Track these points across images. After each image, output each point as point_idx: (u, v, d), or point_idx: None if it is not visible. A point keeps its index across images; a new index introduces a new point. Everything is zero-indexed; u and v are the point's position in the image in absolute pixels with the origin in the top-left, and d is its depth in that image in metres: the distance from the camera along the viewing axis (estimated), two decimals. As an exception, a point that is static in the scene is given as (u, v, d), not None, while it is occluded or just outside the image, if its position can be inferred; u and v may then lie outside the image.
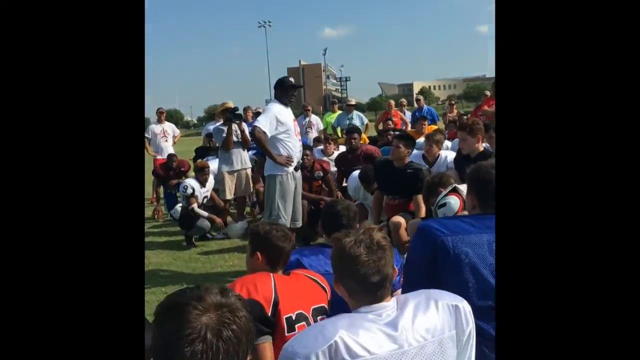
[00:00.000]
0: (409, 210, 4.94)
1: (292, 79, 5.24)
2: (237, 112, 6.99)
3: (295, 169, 5.15)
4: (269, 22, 73.57)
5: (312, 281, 2.34)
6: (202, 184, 6.94)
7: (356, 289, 1.67)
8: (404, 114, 11.82)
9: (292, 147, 5.07)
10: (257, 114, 9.89)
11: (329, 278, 2.48)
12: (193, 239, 6.82)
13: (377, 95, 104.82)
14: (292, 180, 5.08)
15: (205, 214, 6.76)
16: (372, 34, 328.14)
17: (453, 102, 12.89)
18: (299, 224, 5.28)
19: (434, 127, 9.23)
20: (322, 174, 6.25)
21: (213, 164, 7.91)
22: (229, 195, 7.26)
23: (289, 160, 5.01)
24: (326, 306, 2.32)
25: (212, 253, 6.36)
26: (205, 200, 6.95)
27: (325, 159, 6.93)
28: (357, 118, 11.14)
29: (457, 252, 2.02)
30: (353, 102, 11.31)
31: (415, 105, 12.18)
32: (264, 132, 4.85)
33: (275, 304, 2.13)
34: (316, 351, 1.47)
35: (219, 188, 7.11)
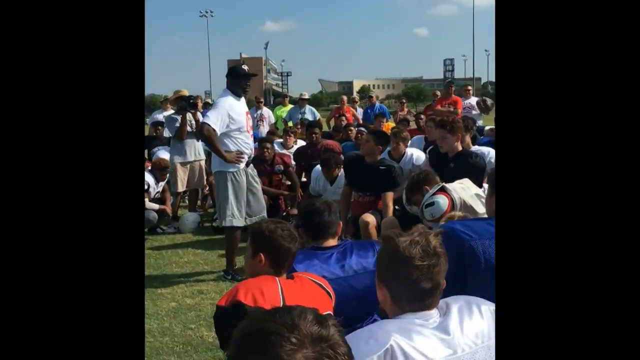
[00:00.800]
0: (377, 208, 4.80)
1: (245, 67, 4.84)
2: (192, 101, 6.66)
3: (247, 164, 4.83)
4: (211, 11, 72.03)
5: (317, 286, 2.13)
6: (158, 180, 6.56)
7: (403, 294, 1.50)
8: (356, 110, 11.73)
9: (243, 143, 4.75)
10: (205, 105, 9.55)
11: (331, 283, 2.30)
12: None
13: (318, 91, 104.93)
14: (243, 176, 4.77)
15: (155, 206, 6.40)
16: (313, 30, 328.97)
17: (404, 100, 12.94)
18: (262, 217, 4.97)
19: (391, 124, 9.17)
20: (282, 168, 6.02)
21: (163, 155, 7.54)
22: (181, 188, 6.93)
23: (239, 156, 4.69)
24: (332, 314, 2.13)
25: (165, 248, 6.02)
26: (157, 195, 6.59)
27: (284, 152, 6.70)
28: (310, 112, 10.97)
29: (488, 258, 1.87)
30: (306, 96, 11.11)
31: (367, 102, 12.10)
32: (214, 130, 4.53)
33: None
34: (371, 357, 1.34)
35: (170, 180, 6.77)
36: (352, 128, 7.38)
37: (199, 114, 6.94)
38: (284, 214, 6.13)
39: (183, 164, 6.85)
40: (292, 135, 7.13)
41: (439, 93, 11.86)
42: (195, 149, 6.93)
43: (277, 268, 2.09)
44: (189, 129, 6.76)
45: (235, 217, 4.68)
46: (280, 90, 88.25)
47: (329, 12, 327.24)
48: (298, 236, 2.17)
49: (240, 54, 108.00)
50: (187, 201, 7.66)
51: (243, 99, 4.83)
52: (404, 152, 5.51)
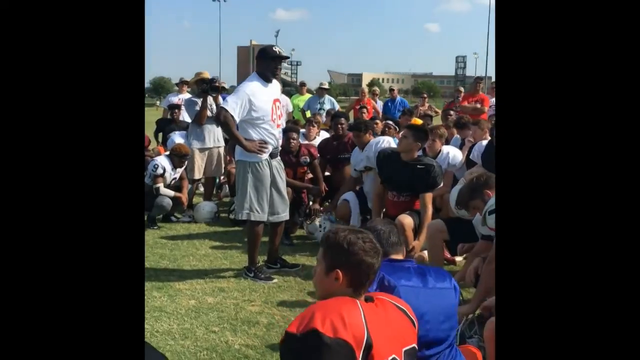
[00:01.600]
0: (414, 209, 4.47)
1: (277, 49, 4.36)
2: (214, 84, 6.31)
3: (272, 155, 4.43)
4: (224, -4, 71.40)
5: (401, 313, 1.78)
6: (175, 167, 6.20)
7: None
8: (376, 102, 11.36)
9: (266, 132, 4.34)
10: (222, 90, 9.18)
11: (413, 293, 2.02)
12: (155, 220, 6.12)
13: (327, 82, 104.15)
14: (266, 167, 4.37)
15: (171, 193, 6.07)
16: (324, 20, 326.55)
17: (425, 95, 12.55)
18: (284, 217, 4.63)
19: (418, 120, 8.80)
20: (308, 160, 5.67)
21: (179, 140, 7.21)
22: (198, 175, 6.61)
23: (261, 146, 4.29)
24: (417, 347, 1.80)
25: (180, 238, 5.70)
26: (173, 182, 6.25)
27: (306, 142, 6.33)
28: (329, 102, 10.61)
29: None
30: (326, 86, 10.76)
31: (388, 95, 11.71)
32: (231, 117, 4.15)
33: (368, 347, 1.55)
34: None
35: (187, 166, 6.43)
36: (378, 121, 7.01)
37: (220, 98, 6.60)
38: (307, 210, 5.79)
39: (201, 150, 6.53)
40: (315, 125, 6.76)
41: (462, 89, 11.48)
42: (215, 135, 6.59)
43: (357, 288, 1.73)
44: (209, 113, 6.43)
45: (254, 210, 4.33)
46: (289, 79, 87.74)
47: (341, 2, 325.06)
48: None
49: (251, 40, 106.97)
50: (202, 189, 7.34)
51: (275, 84, 4.45)
52: (440, 150, 5.18)
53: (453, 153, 5.22)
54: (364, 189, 5.46)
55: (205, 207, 6.42)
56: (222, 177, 7.26)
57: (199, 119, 6.39)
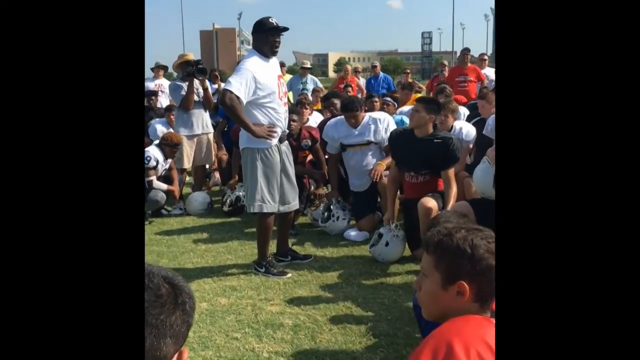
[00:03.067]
0: (436, 190, 4.15)
1: (274, 20, 3.95)
2: (200, 67, 5.88)
3: (280, 140, 4.06)
4: (184, -20, 69.69)
5: None
6: (166, 157, 5.75)
7: None
8: (359, 80, 11.01)
9: (275, 113, 3.96)
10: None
11: None
12: (147, 215, 5.70)
13: (293, 63, 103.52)
14: (276, 153, 4.00)
15: (164, 186, 5.64)
16: (287, 2, 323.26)
17: (407, 70, 12.25)
18: (295, 205, 4.27)
19: (418, 95, 8.48)
20: (310, 143, 5.30)
21: (161, 128, 6.78)
22: (187, 164, 6.20)
23: (270, 130, 3.91)
24: None
25: (175, 233, 5.30)
26: (164, 172, 5.81)
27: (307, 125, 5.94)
28: (312, 82, 10.24)
29: None
30: (308, 65, 10.36)
31: (371, 72, 11.34)
32: (237, 98, 3.74)
33: None
34: None
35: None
36: (377, 98, 6.65)
37: (207, 82, 6.17)
38: (312, 196, 5.43)
39: (189, 138, 6.11)
40: (307, 107, 6.37)
41: (446, 63, 11.21)
42: (203, 121, 6.18)
43: (484, 301, 1.36)
44: (195, 97, 6.01)
45: (266, 201, 3.96)
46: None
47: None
48: None
49: (213, 24, 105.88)
50: (189, 178, 6.93)
51: (274, 60, 4.06)
52: (452, 126, 4.87)
53: (466, 129, 4.92)
54: (349, 164, 5.16)
55: (198, 198, 6.01)
56: (214, 165, 6.84)
57: (186, 104, 5.96)
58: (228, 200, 5.75)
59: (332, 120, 5.24)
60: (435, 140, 4.10)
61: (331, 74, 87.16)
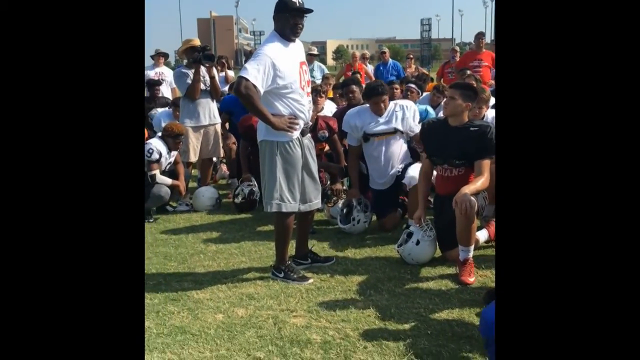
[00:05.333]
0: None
1: (297, 0, 3.49)
2: (207, 52, 5.48)
3: (302, 133, 3.66)
4: (181, -33, 68.61)
5: None
6: (170, 150, 5.36)
7: None
8: (367, 67, 10.59)
9: (298, 104, 3.57)
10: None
11: None
12: (151, 212, 5.33)
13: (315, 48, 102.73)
14: (297, 148, 3.62)
15: (168, 181, 5.26)
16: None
17: (411, 56, 11.83)
18: (317, 204, 3.88)
19: (435, 83, 8.09)
20: (327, 135, 4.91)
21: (165, 118, 6.40)
22: (194, 157, 5.81)
23: (292, 122, 3.52)
24: None
25: (182, 232, 4.93)
26: (168, 166, 5.43)
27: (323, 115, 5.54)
28: (318, 69, 9.89)
29: None
30: (315, 52, 9.95)
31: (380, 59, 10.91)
32: (254, 87, 3.35)
33: None
34: None
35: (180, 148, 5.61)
36: (397, 85, 6.24)
37: (214, 70, 5.77)
38: (328, 191, 5.04)
39: (195, 129, 5.72)
40: (323, 95, 5.96)
41: (457, 48, 10.80)
42: (210, 111, 5.79)
43: None
44: (202, 86, 5.61)
45: (286, 200, 3.58)
46: (252, 50, 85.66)
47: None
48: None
49: (210, 12, 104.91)
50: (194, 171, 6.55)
51: (298, 44, 3.67)
52: (484, 115, 4.49)
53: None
54: (371, 155, 4.75)
55: (206, 194, 5.64)
56: (222, 158, 6.46)
57: (192, 93, 5.57)
58: (241, 194, 5.37)
59: (354, 108, 4.84)
60: (472, 129, 3.72)
61: (330, 61, 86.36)
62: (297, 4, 3.52)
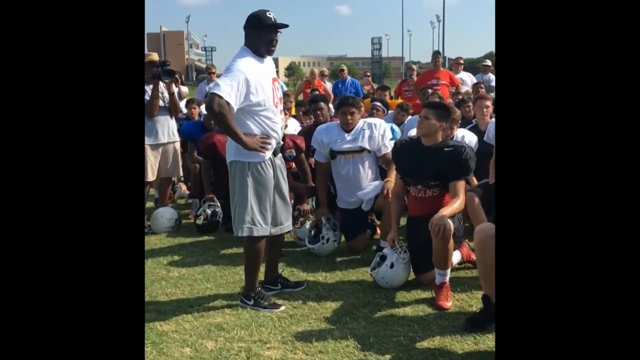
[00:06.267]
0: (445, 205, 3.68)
1: (272, 15, 3.39)
2: (167, 68, 5.25)
3: (274, 152, 3.51)
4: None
5: None
6: None
7: None
8: (325, 84, 10.52)
9: (271, 122, 3.42)
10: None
11: None
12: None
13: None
14: (269, 168, 3.45)
15: (126, 202, 4.99)
16: (233, 6, 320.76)
17: (368, 74, 11.86)
18: (287, 227, 3.72)
19: (398, 100, 8.04)
20: (294, 154, 4.75)
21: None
22: (152, 176, 5.53)
23: (264, 141, 3.36)
24: None
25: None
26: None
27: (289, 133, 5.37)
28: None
29: None
30: (274, 68, 9.80)
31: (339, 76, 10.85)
32: (227, 104, 3.17)
33: None
34: None
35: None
36: (361, 102, 6.13)
37: (174, 87, 5.54)
38: (296, 212, 4.86)
39: (154, 147, 5.45)
40: (286, 113, 5.81)
41: (415, 67, 10.87)
42: (169, 128, 5.54)
43: None
44: (161, 103, 5.38)
45: (257, 223, 3.40)
46: (203, 65, 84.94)
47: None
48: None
49: (161, 27, 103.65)
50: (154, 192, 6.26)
51: (269, 60, 3.52)
52: (453, 135, 4.43)
53: (469, 137, 4.49)
54: (339, 174, 4.63)
55: (165, 215, 5.38)
56: (180, 177, 6.21)
57: (150, 110, 5.31)
58: (203, 214, 5.15)
59: (324, 125, 4.72)
60: (445, 149, 3.64)
61: (282, 77, 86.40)
62: (272, 19, 3.39)
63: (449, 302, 3.47)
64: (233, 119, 3.24)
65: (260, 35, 3.37)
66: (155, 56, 5.58)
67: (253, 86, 3.25)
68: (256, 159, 3.36)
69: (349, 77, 10.74)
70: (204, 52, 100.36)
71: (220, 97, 3.13)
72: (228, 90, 3.15)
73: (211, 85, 5.78)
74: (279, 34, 3.42)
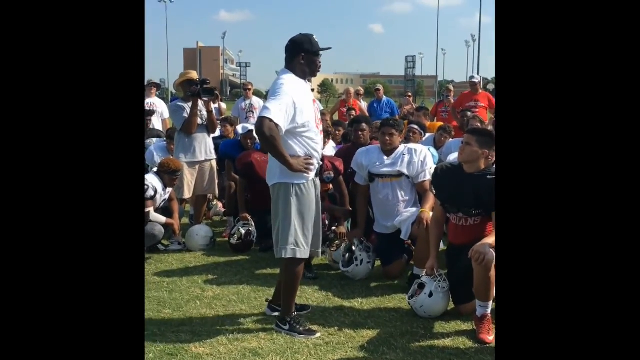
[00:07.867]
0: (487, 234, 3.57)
1: (316, 39, 3.43)
2: (207, 86, 5.28)
3: (315, 173, 3.50)
4: (170, -3, 68.67)
5: None
6: (166, 186, 5.10)
7: None
8: (361, 103, 10.50)
9: (313, 142, 3.41)
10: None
11: None
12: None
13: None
14: (312, 189, 3.44)
15: (162, 219, 5.00)
16: (269, 21, 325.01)
17: (409, 93, 11.78)
18: (320, 252, 3.71)
19: (436, 123, 7.97)
20: (332, 176, 4.71)
21: (158, 152, 6.18)
22: (188, 194, 5.56)
23: (308, 162, 3.35)
24: None
25: (176, 274, 4.64)
26: (162, 203, 5.16)
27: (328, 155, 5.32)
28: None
29: None
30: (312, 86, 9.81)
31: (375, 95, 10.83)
32: (277, 127, 3.14)
33: None
34: None
35: (174, 184, 5.36)
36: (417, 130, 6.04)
37: (212, 105, 5.57)
38: (332, 234, 4.80)
39: (190, 165, 5.48)
40: (329, 136, 5.74)
41: (451, 87, 10.76)
42: (207, 146, 5.56)
43: None
44: (199, 120, 5.40)
45: (300, 245, 3.36)
46: (238, 81, 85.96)
47: (282, 4, 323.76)
48: None
49: (197, 42, 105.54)
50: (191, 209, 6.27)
51: (307, 83, 3.52)
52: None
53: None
54: (377, 198, 4.57)
55: (200, 232, 5.37)
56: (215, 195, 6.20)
57: (188, 128, 5.35)
58: (237, 233, 5.12)
59: (365, 147, 4.69)
60: (488, 177, 3.54)
61: (315, 94, 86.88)
62: (319, 46, 3.44)
63: (491, 336, 3.35)
64: (281, 141, 3.23)
65: (306, 59, 3.38)
66: (194, 74, 5.62)
67: (299, 108, 3.24)
68: (300, 180, 3.33)
69: (384, 96, 10.69)
70: (238, 68, 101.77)
71: (271, 120, 3.11)
72: (278, 113, 3.13)
73: (260, 108, 5.74)
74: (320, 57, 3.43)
